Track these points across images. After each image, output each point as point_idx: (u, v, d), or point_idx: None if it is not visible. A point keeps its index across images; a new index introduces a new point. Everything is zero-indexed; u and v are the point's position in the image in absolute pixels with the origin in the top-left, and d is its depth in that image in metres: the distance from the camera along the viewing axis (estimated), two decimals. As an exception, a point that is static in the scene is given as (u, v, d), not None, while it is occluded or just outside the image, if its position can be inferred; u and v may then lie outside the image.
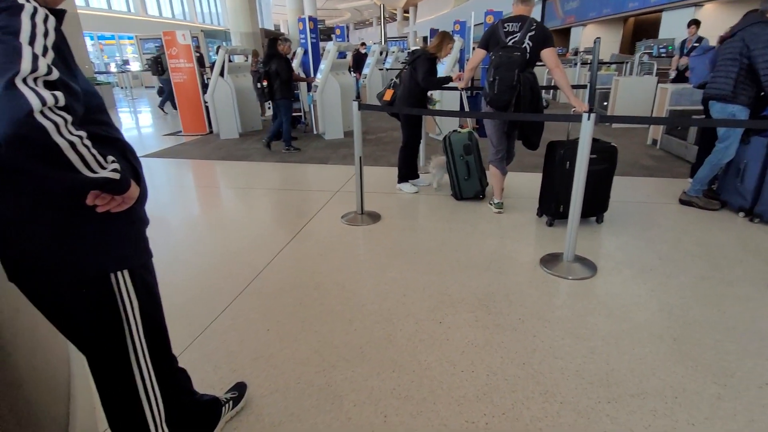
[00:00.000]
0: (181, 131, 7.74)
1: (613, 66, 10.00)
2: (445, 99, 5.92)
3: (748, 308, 2.27)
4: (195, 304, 2.42)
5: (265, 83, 5.95)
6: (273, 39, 5.95)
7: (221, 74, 7.07)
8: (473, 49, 7.00)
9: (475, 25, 8.62)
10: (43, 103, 0.76)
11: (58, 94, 0.79)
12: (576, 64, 10.64)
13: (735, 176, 3.47)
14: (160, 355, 1.25)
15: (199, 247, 3.21)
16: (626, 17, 14.59)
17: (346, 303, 2.39)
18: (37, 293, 1.05)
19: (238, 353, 2.00)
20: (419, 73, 3.74)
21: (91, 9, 18.81)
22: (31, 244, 0.97)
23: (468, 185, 3.91)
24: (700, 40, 6.63)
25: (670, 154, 5.42)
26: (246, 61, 8.35)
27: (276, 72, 5.80)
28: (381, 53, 10.81)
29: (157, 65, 9.18)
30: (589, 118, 2.45)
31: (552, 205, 3.30)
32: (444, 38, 3.82)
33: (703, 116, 3.77)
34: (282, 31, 26.68)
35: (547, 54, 3.09)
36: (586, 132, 2.48)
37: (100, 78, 13.86)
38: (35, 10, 0.83)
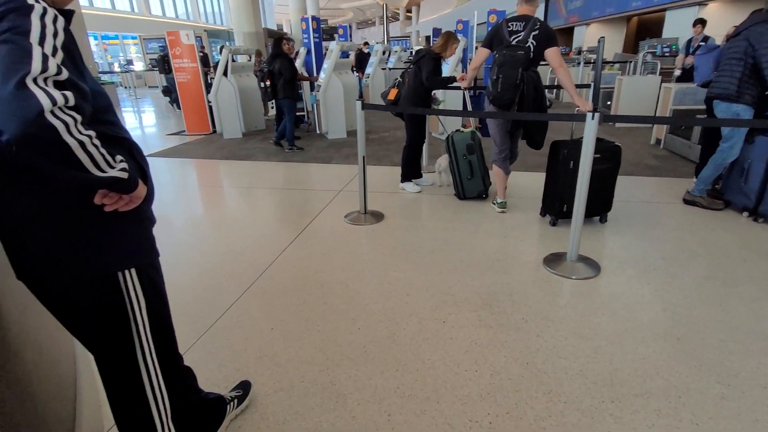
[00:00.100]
0: (184, 131, 7.76)
1: (617, 65, 9.97)
2: (448, 99, 5.92)
3: (752, 308, 2.27)
4: (199, 302, 2.43)
5: (268, 82, 5.97)
6: (278, 39, 5.98)
7: (224, 74, 7.09)
8: (476, 48, 7.00)
9: (477, 25, 8.61)
10: (54, 102, 0.77)
11: (68, 93, 0.80)
12: (579, 63, 10.61)
13: (739, 176, 3.46)
14: (167, 353, 1.26)
15: (203, 246, 3.22)
16: (629, 16, 14.54)
17: (349, 302, 2.39)
18: (44, 291, 1.06)
19: (243, 352, 2.01)
20: (423, 73, 3.74)
21: (95, 9, 18.88)
22: (39, 242, 0.97)
23: (471, 185, 3.91)
24: (706, 39, 6.60)
25: (673, 154, 5.40)
26: (249, 60, 8.37)
27: (279, 71, 5.82)
28: (384, 53, 10.80)
29: (164, 63, 9.22)
30: (593, 118, 2.45)
31: (555, 205, 3.30)
32: (449, 38, 3.82)
33: (706, 116, 3.76)
34: (285, 30, 26.72)
35: (551, 53, 3.09)
36: (590, 131, 2.47)
37: (104, 78, 13.91)
38: (45, 10, 0.84)
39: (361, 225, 3.48)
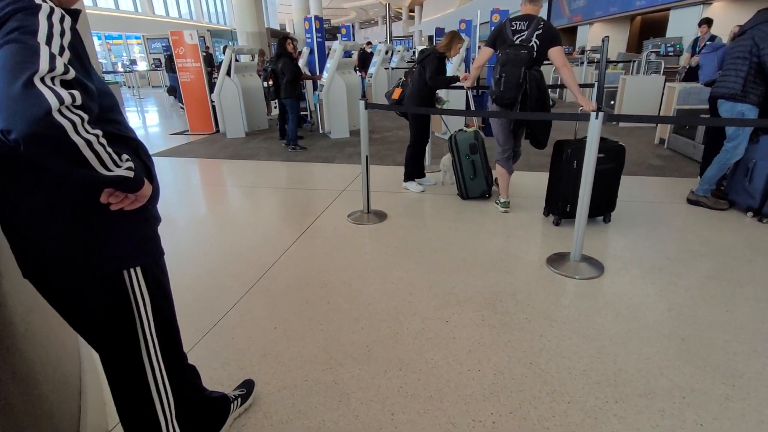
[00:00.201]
0: (188, 130, 7.78)
1: (620, 65, 9.94)
2: (451, 98, 5.92)
3: (757, 309, 2.26)
4: (203, 301, 2.44)
5: (271, 82, 5.98)
6: (283, 38, 6.00)
7: (228, 74, 7.11)
8: (479, 48, 6.99)
9: (480, 24, 8.59)
10: (61, 102, 0.77)
11: (75, 93, 0.80)
12: (582, 63, 10.59)
13: (743, 176, 3.45)
14: (171, 351, 1.26)
15: (206, 245, 3.23)
16: (633, 16, 14.49)
17: (352, 301, 2.40)
18: (50, 290, 1.06)
19: (246, 351, 2.02)
20: (427, 72, 3.74)
21: (99, 9, 18.92)
22: (46, 241, 0.98)
23: (474, 184, 3.91)
24: (713, 38, 6.56)
25: (677, 154, 5.38)
26: (252, 60, 8.38)
27: (282, 71, 5.83)
28: (387, 52, 10.80)
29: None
30: (597, 117, 2.44)
31: (559, 205, 3.29)
32: (454, 38, 3.82)
33: (709, 115, 3.75)
34: (288, 30, 26.74)
35: (555, 53, 3.08)
36: (594, 131, 2.47)
37: (108, 77, 13.96)
38: (52, 10, 0.84)
39: (364, 224, 3.48)
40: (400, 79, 4.10)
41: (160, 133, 8.19)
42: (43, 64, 0.78)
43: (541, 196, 3.56)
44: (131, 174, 0.93)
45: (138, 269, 1.08)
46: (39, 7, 0.83)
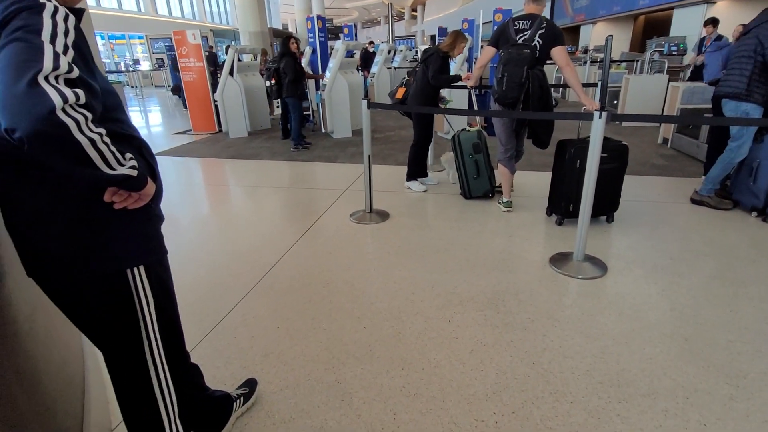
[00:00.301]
0: (190, 130, 7.80)
1: (624, 64, 9.91)
2: (454, 97, 5.91)
3: (761, 309, 2.25)
4: (206, 300, 2.44)
5: (273, 81, 5.99)
6: (286, 38, 6.01)
7: (230, 73, 7.12)
8: (482, 47, 6.97)
9: (483, 24, 8.58)
10: (65, 100, 0.77)
11: (79, 91, 0.81)
12: (586, 62, 10.56)
13: (748, 175, 3.43)
14: (175, 350, 1.27)
15: (209, 245, 3.23)
16: (636, 15, 14.45)
17: (355, 301, 2.40)
18: (54, 289, 1.06)
19: (249, 350, 2.02)
20: (430, 71, 3.74)
21: (102, 9, 18.99)
22: (49, 239, 0.98)
23: (477, 184, 3.90)
24: (719, 38, 6.52)
25: (681, 153, 5.36)
26: (254, 60, 8.39)
27: (284, 71, 5.84)
28: (389, 52, 10.80)
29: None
30: (600, 117, 2.44)
31: (562, 204, 3.28)
32: (457, 37, 3.82)
33: (713, 114, 3.73)
34: (290, 30, 26.77)
35: (558, 52, 3.07)
36: (597, 130, 2.46)
37: (111, 77, 14.01)
38: (56, 8, 0.85)
39: (366, 224, 3.49)
40: (404, 78, 4.10)
41: (163, 133, 8.21)
42: (48, 63, 0.78)
43: (544, 195, 3.56)
44: (135, 173, 0.93)
45: (141, 268, 1.09)
46: (43, 6, 0.83)
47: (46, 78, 0.77)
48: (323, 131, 7.40)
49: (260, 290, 2.54)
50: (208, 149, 6.47)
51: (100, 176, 0.87)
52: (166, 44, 14.91)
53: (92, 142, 0.82)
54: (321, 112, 7.38)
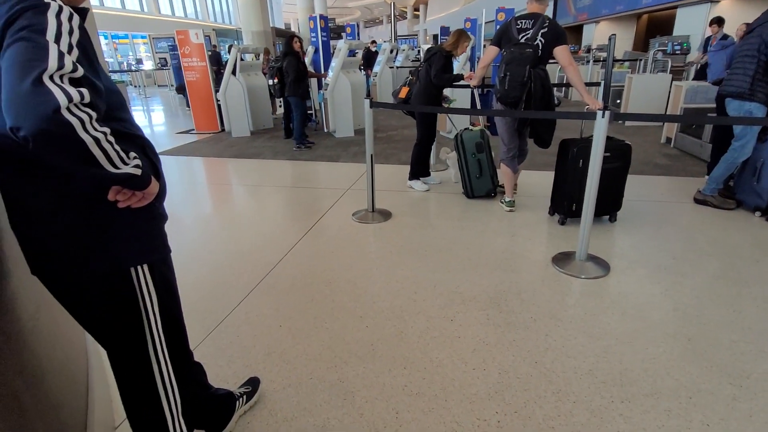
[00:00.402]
0: (193, 129, 7.81)
1: (627, 63, 9.87)
2: (457, 97, 5.90)
3: (764, 309, 2.24)
4: (209, 299, 2.45)
5: (276, 80, 5.99)
6: (290, 37, 6.01)
7: (233, 73, 7.13)
8: (484, 46, 6.96)
9: (486, 23, 8.57)
10: (70, 99, 0.78)
11: (84, 90, 0.81)
12: (588, 61, 10.52)
13: (751, 175, 3.42)
14: (178, 348, 1.27)
15: (211, 244, 3.24)
16: (640, 14, 14.40)
17: (357, 300, 2.40)
18: (58, 287, 1.07)
19: (252, 348, 2.02)
20: (432, 70, 3.74)
21: (106, 8, 19.04)
22: (54, 238, 0.99)
23: (480, 183, 3.90)
24: (725, 37, 6.49)
25: (684, 153, 5.34)
26: (257, 59, 8.39)
27: (286, 70, 5.84)
28: (391, 51, 10.80)
29: None
30: (603, 116, 2.43)
31: (564, 204, 3.28)
32: (461, 36, 3.81)
33: (716, 114, 3.72)
34: (293, 29, 26.79)
35: (560, 51, 3.07)
36: (600, 129, 2.46)
37: (114, 77, 14.05)
38: (60, 8, 0.85)
39: (368, 223, 3.49)
40: (407, 77, 4.10)
41: (165, 132, 8.23)
42: (52, 62, 0.78)
43: (546, 195, 3.55)
44: (138, 171, 0.94)
45: (145, 267, 1.09)
46: (48, 5, 0.84)
47: (51, 77, 0.77)
48: (326, 130, 7.41)
49: (263, 289, 2.54)
50: (211, 148, 6.48)
51: (104, 175, 0.87)
52: (169, 44, 14.93)
53: (96, 140, 0.82)
54: (323, 112, 7.38)
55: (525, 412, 1.63)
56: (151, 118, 10.37)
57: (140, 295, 1.09)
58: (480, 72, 3.66)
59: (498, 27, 3.60)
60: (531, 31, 3.10)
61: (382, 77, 9.76)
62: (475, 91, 4.32)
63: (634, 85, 6.89)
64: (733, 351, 1.93)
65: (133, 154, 0.93)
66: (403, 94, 4.00)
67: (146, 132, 7.19)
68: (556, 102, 3.36)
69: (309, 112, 7.62)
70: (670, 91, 6.24)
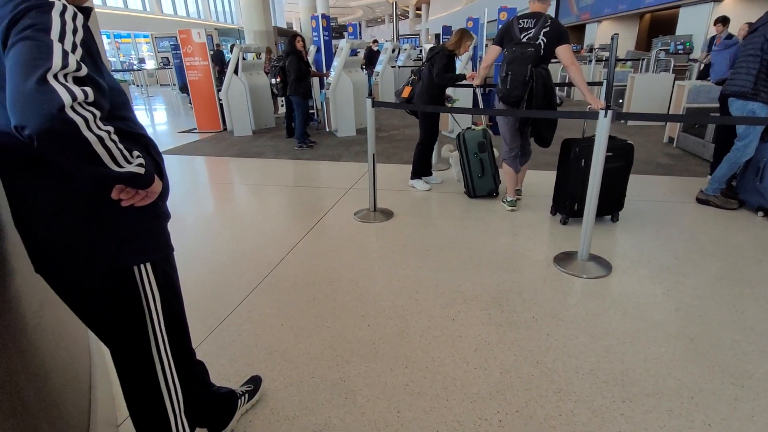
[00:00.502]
0: (195, 128, 7.83)
1: (629, 63, 9.86)
2: (459, 96, 5.90)
3: (767, 309, 2.23)
4: (211, 298, 2.45)
5: (278, 79, 6.00)
6: (292, 36, 6.02)
7: (235, 72, 7.14)
8: (486, 45, 6.96)
9: (488, 22, 8.56)
10: (74, 98, 0.78)
11: (88, 89, 0.81)
12: (591, 61, 10.51)
13: (754, 175, 3.41)
14: (180, 347, 1.28)
15: (214, 243, 3.25)
16: (642, 13, 14.37)
17: (359, 299, 2.40)
18: (61, 285, 1.07)
19: (253, 347, 2.03)
20: (435, 69, 3.74)
21: (108, 8, 19.06)
22: (58, 236, 0.99)
23: (482, 183, 3.90)
24: (730, 36, 6.48)
25: (687, 153, 5.33)
26: (258, 58, 8.40)
27: (288, 69, 5.85)
28: (393, 51, 10.79)
29: None
30: (605, 115, 2.43)
31: (566, 203, 3.28)
32: (463, 35, 3.81)
33: (720, 113, 3.71)
34: (295, 29, 26.81)
35: (562, 51, 3.06)
36: (602, 129, 2.45)
37: (117, 76, 14.06)
38: (64, 7, 0.85)
39: (370, 222, 3.49)
40: (410, 77, 4.10)
41: (168, 131, 8.24)
42: (57, 61, 0.78)
43: (548, 194, 3.55)
44: (142, 170, 0.94)
45: (148, 265, 1.09)
46: (52, 4, 0.84)
47: (55, 76, 0.77)
48: (327, 130, 7.41)
49: (264, 288, 2.55)
50: (213, 148, 6.49)
51: (108, 174, 0.87)
52: (172, 43, 14.95)
53: (100, 139, 0.83)
54: (325, 111, 7.39)
55: (526, 411, 1.63)
56: (154, 117, 10.39)
57: (143, 293, 1.10)
58: (483, 72, 3.66)
59: (500, 26, 3.59)
60: (533, 30, 3.10)
61: (384, 76, 9.76)
62: (478, 90, 4.31)
63: (636, 85, 6.88)
64: (735, 351, 1.93)
65: (136, 153, 0.94)
66: (405, 93, 4.00)
67: (149, 131, 7.24)
68: (558, 101, 3.36)
69: (311, 111, 7.62)
70: (672, 91, 6.23)
